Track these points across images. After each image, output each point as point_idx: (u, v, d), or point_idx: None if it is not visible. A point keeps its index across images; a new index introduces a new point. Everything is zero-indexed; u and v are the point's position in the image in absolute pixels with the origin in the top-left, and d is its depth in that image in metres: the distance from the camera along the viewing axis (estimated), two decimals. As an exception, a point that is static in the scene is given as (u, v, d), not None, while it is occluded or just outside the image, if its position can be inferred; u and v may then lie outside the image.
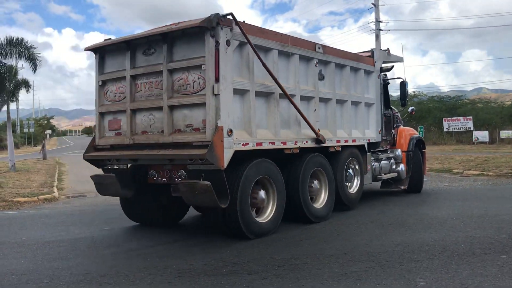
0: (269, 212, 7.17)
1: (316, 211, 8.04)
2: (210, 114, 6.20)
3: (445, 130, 35.51)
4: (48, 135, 63.35)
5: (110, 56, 7.53)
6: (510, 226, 7.22)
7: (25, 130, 56.49)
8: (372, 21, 34.52)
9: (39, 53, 19.71)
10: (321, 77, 8.37)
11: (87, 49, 7.65)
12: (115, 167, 7.61)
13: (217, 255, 5.98)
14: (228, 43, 6.37)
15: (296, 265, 5.43)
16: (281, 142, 7.33)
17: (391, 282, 4.71)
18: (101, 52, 7.58)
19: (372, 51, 10.36)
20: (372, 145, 10.09)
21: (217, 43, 6.21)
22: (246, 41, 6.63)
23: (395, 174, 10.89)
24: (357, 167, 9.45)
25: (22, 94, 22.42)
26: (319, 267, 5.32)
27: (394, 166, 10.88)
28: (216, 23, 6.19)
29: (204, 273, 5.24)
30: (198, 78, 6.36)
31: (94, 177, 7.84)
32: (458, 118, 35.21)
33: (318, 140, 8.01)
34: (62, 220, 9.43)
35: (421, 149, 11.84)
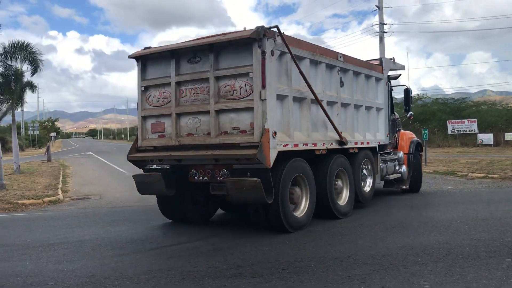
0: (303, 207, 7.79)
1: (340, 208, 8.66)
2: (258, 118, 6.82)
3: (449, 132, 35.36)
4: (52, 138, 63.56)
5: (152, 63, 8.07)
6: (515, 229, 7.19)
7: (30, 132, 56.65)
8: (376, 24, 34.45)
9: (41, 54, 19.79)
10: (342, 84, 8.98)
11: (130, 57, 8.18)
12: (156, 167, 8.14)
13: (221, 258, 5.99)
14: (272, 52, 6.99)
15: (301, 268, 5.43)
16: (312, 144, 7.94)
17: (395, 285, 4.70)
18: (143, 59, 8.10)
19: (381, 59, 11.13)
20: (381, 148, 10.75)
21: (263, 53, 6.83)
22: (286, 51, 7.26)
23: (399, 175, 11.56)
24: (370, 167, 10.11)
25: (27, 96, 22.42)
26: (323, 270, 5.32)
27: (397, 167, 11.55)
28: (263, 34, 6.82)
29: (208, 275, 5.25)
30: (245, 84, 6.98)
31: (136, 177, 8.25)
32: (463, 120, 35.06)
33: (341, 142, 8.62)
34: (67, 222, 9.46)
35: (419, 151, 12.58)
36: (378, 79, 10.58)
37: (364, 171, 9.92)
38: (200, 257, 6.13)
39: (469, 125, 34.28)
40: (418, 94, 45.09)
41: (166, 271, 5.45)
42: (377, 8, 34.51)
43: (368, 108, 10.11)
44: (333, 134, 8.46)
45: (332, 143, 8.46)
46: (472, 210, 9.22)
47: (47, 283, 5.15)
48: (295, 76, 7.54)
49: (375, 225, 7.97)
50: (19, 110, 21.90)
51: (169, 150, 7.74)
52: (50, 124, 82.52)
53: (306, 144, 7.77)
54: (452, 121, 35.18)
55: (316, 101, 7.88)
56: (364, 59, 10.58)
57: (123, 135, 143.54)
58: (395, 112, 12.16)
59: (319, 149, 8.14)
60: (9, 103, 19.79)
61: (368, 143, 9.88)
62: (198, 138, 7.45)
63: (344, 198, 8.92)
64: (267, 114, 6.82)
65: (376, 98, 10.49)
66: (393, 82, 12.04)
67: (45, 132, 69.16)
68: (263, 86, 6.81)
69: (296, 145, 7.48)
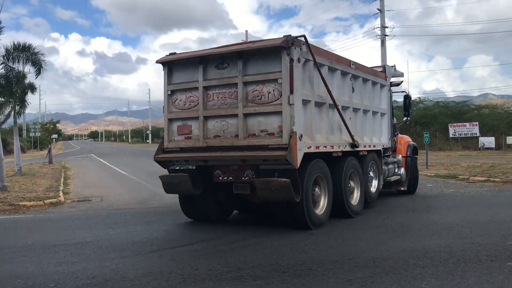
0: (322, 205, 8.22)
1: (353, 207, 9.09)
2: (286, 121, 7.24)
3: (451, 136, 35.33)
4: (54, 139, 63.53)
5: (178, 68, 8.44)
6: (516, 232, 7.17)
7: (32, 134, 56.68)
8: (378, 27, 34.50)
9: (43, 55, 19.82)
10: (353, 90, 9.42)
11: (158, 62, 8.51)
12: (181, 168, 8.45)
13: (222, 260, 5.99)
14: (299, 60, 7.44)
15: (301, 270, 5.42)
16: (330, 146, 8.38)
17: (397, 289, 4.69)
18: (170, 64, 8.47)
19: (384, 67, 11.69)
20: (384, 151, 11.20)
21: (291, 60, 7.26)
22: (309, 58, 7.70)
23: (399, 177, 12.01)
24: (375, 169, 10.58)
25: (29, 98, 22.36)
26: (324, 273, 5.31)
27: (396, 170, 12.01)
28: (291, 43, 7.23)
29: (208, 278, 5.25)
30: (273, 89, 7.42)
31: (163, 177, 8.59)
32: (464, 124, 35.01)
33: (354, 144, 9.05)
34: (68, 224, 9.47)
35: (414, 155, 13.02)
36: (382, 86, 11.06)
37: (371, 173, 10.34)
38: (201, 259, 6.13)
39: (471, 129, 34.25)
40: (419, 98, 45.12)
41: (167, 273, 5.45)
42: (378, 11, 34.57)
43: (374, 113, 10.56)
44: (347, 137, 8.92)
45: (346, 146, 8.89)
46: (473, 213, 9.21)
47: (48, 285, 5.15)
48: (316, 82, 7.98)
49: (376, 228, 7.96)
50: (24, 111, 21.77)
51: (197, 151, 8.10)
52: (51, 126, 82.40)
53: (325, 147, 8.19)
54: (454, 124, 35.15)
55: (334, 106, 8.34)
56: (366, 62, 10.91)
57: (124, 137, 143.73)
58: (393, 117, 12.67)
59: (336, 151, 8.58)
60: (11, 105, 19.82)
61: (374, 146, 10.33)
62: (225, 140, 7.85)
63: (355, 198, 9.37)
64: (295, 117, 7.25)
65: (380, 103, 10.95)
66: (393, 88, 12.48)
67: (46, 134, 69.11)
68: (291, 91, 7.25)
69: (317, 147, 7.91)
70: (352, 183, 9.32)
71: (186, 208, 9.02)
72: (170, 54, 8.66)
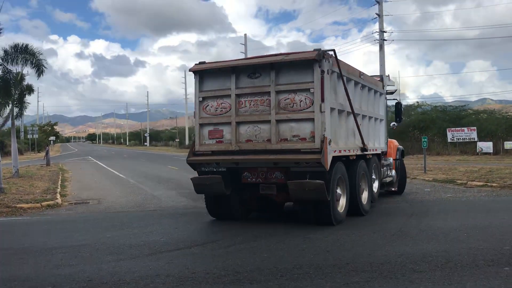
0: (342, 204, 8.95)
1: (364, 206, 9.86)
2: (318, 127, 7.95)
3: (449, 140, 35.35)
4: (52, 142, 63.55)
5: (210, 76, 9.00)
6: (513, 238, 7.18)
7: (29, 136, 56.66)
8: (376, 31, 34.63)
9: (42, 54, 19.78)
10: (361, 98, 10.08)
11: (191, 70, 9.05)
12: (211, 170, 8.94)
13: (219, 264, 5.99)
14: (328, 71, 8.12)
15: (299, 274, 5.43)
16: (348, 150, 9.09)
17: (394, 293, 4.69)
18: (201, 73, 9.02)
19: (381, 76, 12.79)
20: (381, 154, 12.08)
21: (322, 72, 7.96)
22: (335, 70, 8.42)
23: (391, 178, 12.87)
24: (376, 171, 11.40)
25: (28, 99, 22.22)
26: (321, 277, 5.32)
27: (388, 172, 12.77)
28: (322, 56, 7.94)
29: (206, 281, 5.25)
30: (305, 98, 8.11)
31: (195, 179, 9.06)
32: (462, 128, 35.05)
33: (364, 148, 9.76)
34: (65, 226, 9.46)
35: (402, 157, 14.04)
36: (380, 94, 11.84)
37: (373, 175, 11.08)
38: (198, 262, 6.13)
39: (469, 133, 34.30)
40: (417, 102, 45.11)
41: (164, 276, 5.45)
42: (377, 16, 34.70)
43: (376, 120, 11.29)
44: (359, 142, 9.63)
45: (358, 150, 9.59)
46: (471, 218, 9.23)
47: (45, 287, 5.15)
48: (338, 92, 8.71)
49: (373, 232, 7.97)
50: (23, 113, 21.69)
51: (228, 154, 8.73)
52: (49, 128, 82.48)
53: (345, 151, 8.90)
54: (452, 129, 35.20)
55: (351, 113, 9.07)
56: (364, 67, 11.34)
57: (122, 139, 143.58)
58: None
59: (352, 155, 9.31)
60: (10, 107, 19.79)
61: (375, 150, 11.06)
62: (258, 144, 8.50)
63: (364, 197, 10.04)
64: (326, 124, 7.95)
65: (379, 110, 11.68)
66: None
67: (44, 136, 69.14)
68: (322, 100, 7.95)
69: (340, 151, 8.59)
70: (362, 184, 9.98)
71: (212, 208, 9.51)
72: (200, 63, 9.17)
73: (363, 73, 10.18)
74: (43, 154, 35.78)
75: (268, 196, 9.11)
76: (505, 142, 33.21)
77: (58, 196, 14.25)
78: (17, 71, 19.54)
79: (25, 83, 20.64)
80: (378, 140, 11.46)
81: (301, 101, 8.14)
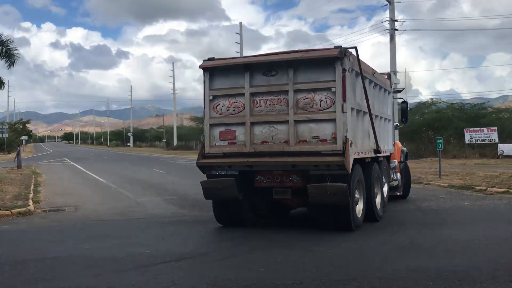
0: (359, 208, 9.15)
1: (378, 211, 10.07)
2: (340, 128, 8.19)
3: (466, 142, 35.43)
4: (23, 141, 63.38)
5: (220, 74, 9.18)
6: (538, 251, 7.20)
7: (-2, 135, 56.46)
8: (387, 20, 34.61)
9: (16, 47, 19.68)
10: (374, 98, 10.30)
11: (201, 67, 9.17)
12: (221, 173, 9.08)
13: (210, 279, 5.96)
14: (350, 70, 8.37)
15: (299, 291, 5.42)
16: (364, 152, 9.32)
17: (405, 312, 4.69)
18: (212, 70, 9.17)
19: (389, 74, 12.96)
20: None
21: (344, 70, 8.21)
22: (355, 68, 8.64)
23: (397, 182, 13.15)
24: (386, 174, 11.67)
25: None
26: (325, 294, 5.31)
27: (394, 175, 13.03)
28: (344, 54, 8.17)
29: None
30: (325, 97, 8.33)
31: (205, 183, 9.22)
32: (481, 129, 35.12)
33: (377, 150, 10.06)
34: (38, 237, 9.43)
35: (406, 160, 14.49)
36: (389, 93, 12.18)
37: (383, 179, 11.33)
38: (186, 278, 6.11)
39: (489, 134, 34.38)
40: (432, 99, 45.10)
41: (149, 293, 5.42)
42: (387, 3, 34.70)
43: (385, 120, 11.62)
44: (372, 143, 9.91)
45: (371, 152, 9.86)
46: (491, 229, 9.25)
47: (15, 305, 5.12)
48: (357, 91, 8.95)
49: (383, 244, 7.98)
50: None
51: (242, 156, 8.88)
52: (21, 126, 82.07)
53: (362, 153, 9.19)
54: (470, 129, 35.25)
55: (368, 113, 9.36)
56: (373, 60, 11.47)
57: (102, 139, 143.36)
58: None
59: (367, 157, 9.60)
60: None
61: (385, 152, 11.31)
62: (275, 145, 8.69)
63: (378, 202, 10.25)
64: (347, 125, 8.20)
65: (388, 110, 11.98)
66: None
67: (15, 135, 68.89)
68: (344, 100, 8.21)
69: (358, 153, 8.87)
70: (376, 188, 10.21)
71: (220, 214, 9.63)
72: (209, 59, 9.32)
73: (375, 70, 10.37)
74: (13, 155, 35.67)
75: (281, 201, 9.34)
76: (529, 144, 33.29)
77: (31, 202, 14.19)
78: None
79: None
80: (387, 142, 11.75)
81: (321, 100, 8.34)
